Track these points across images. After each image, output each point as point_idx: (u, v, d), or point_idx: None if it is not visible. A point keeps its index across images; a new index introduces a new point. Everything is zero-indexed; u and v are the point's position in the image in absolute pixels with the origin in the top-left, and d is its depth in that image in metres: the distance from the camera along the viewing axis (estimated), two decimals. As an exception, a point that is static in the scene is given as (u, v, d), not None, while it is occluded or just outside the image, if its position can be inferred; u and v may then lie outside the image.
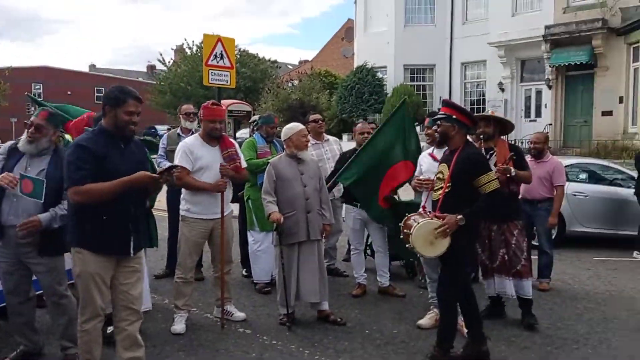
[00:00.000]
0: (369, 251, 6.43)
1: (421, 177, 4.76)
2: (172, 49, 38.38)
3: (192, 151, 4.54)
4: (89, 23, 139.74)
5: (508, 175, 4.58)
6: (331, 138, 6.57)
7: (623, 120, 16.41)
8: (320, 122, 6.42)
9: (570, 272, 6.73)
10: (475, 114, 4.51)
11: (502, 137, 4.95)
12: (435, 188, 4.13)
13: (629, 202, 7.94)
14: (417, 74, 22.39)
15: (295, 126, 4.83)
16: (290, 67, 46.14)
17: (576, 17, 16.86)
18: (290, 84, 26.26)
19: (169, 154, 5.57)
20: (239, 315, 4.80)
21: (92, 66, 55.71)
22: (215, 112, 4.62)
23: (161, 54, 34.19)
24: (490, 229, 4.70)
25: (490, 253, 4.74)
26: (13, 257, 3.67)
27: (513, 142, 8.23)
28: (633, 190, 7.81)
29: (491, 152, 4.70)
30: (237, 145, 4.82)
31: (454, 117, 4.02)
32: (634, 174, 8.19)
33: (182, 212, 4.64)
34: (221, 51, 9.50)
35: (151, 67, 48.28)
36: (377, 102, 21.01)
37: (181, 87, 29.29)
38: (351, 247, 5.95)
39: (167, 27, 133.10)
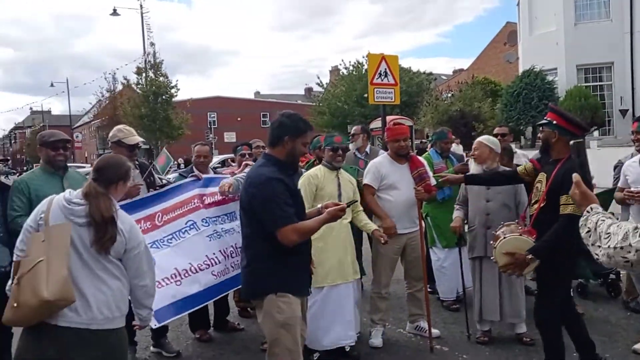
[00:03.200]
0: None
1: (633, 189, 4.34)
2: (329, 70, 39.88)
3: (379, 170, 4.71)
4: (252, 52, 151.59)
5: None
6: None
7: None
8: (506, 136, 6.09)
9: None
10: None
11: None
12: (532, 201, 3.78)
13: None
14: (592, 73, 20.53)
15: (496, 142, 4.78)
16: (444, 77, 45.26)
17: None
18: (449, 95, 25.74)
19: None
20: (434, 332, 4.77)
21: (257, 93, 60.17)
22: (398, 131, 4.76)
23: (318, 76, 36.22)
24: None
25: None
26: None
27: None
28: None
29: None
30: (426, 163, 4.85)
31: (554, 122, 3.65)
32: None
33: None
34: (385, 69, 9.65)
35: (309, 90, 50.77)
36: (547, 107, 19.64)
37: (339, 107, 30.24)
38: None
39: (321, 50, 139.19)
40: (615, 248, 1.74)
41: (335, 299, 4.28)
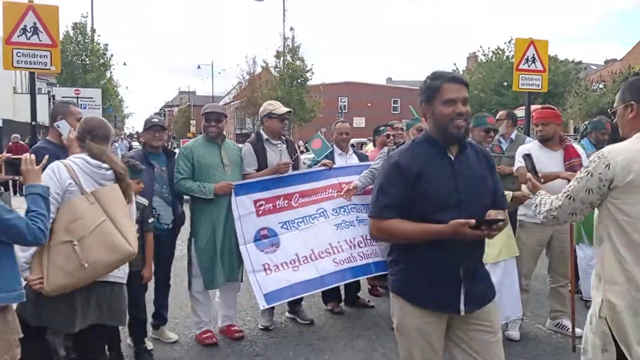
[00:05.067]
0: None
1: None
2: (466, 57, 38.50)
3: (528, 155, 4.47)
4: (386, 37, 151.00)
5: None
6: None
7: None
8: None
9: None
10: None
11: None
12: None
13: None
14: None
15: None
16: (594, 67, 41.60)
17: None
18: (600, 86, 23.67)
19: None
20: (578, 331, 4.49)
21: (389, 79, 59.93)
22: (544, 115, 4.54)
23: (454, 64, 34.93)
24: None
25: None
26: None
27: None
28: None
29: None
30: (583, 154, 4.53)
31: None
32: None
33: (519, 217, 4.57)
34: (533, 54, 9.12)
35: (443, 77, 49.35)
36: None
37: (475, 95, 29.14)
38: None
39: (459, 36, 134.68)
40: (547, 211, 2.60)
41: (507, 271, 4.26)
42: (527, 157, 3.06)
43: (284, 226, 4.70)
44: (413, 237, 2.35)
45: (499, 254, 4.20)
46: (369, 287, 5.95)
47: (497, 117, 6.41)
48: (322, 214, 4.89)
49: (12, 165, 2.56)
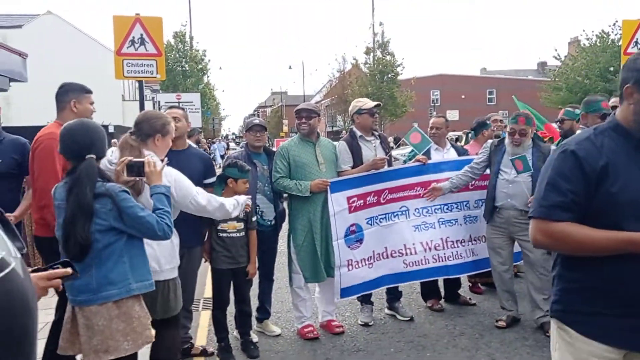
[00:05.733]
0: None
1: None
2: (568, 42, 36.30)
3: None
4: (482, 25, 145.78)
5: None
6: None
7: None
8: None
9: None
10: None
11: None
12: None
13: None
14: None
15: None
16: None
17: None
18: None
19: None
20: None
21: (483, 69, 57.87)
22: None
23: (556, 49, 32.83)
24: None
25: None
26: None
27: None
28: None
29: None
30: None
31: None
32: None
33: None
34: (644, 35, 8.45)
35: (542, 64, 46.99)
36: None
37: (578, 82, 27.40)
38: None
39: (558, 21, 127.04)
40: None
41: None
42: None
43: (369, 222, 4.74)
44: (598, 246, 1.83)
45: None
46: (470, 284, 5.81)
47: (611, 103, 6.03)
48: (403, 213, 4.88)
49: (135, 167, 2.76)
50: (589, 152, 1.88)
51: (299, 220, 4.59)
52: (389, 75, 29.28)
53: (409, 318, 4.96)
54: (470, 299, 5.41)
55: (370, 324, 4.85)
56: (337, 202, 4.57)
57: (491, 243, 4.71)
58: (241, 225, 4.07)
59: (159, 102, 17.88)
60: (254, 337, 4.45)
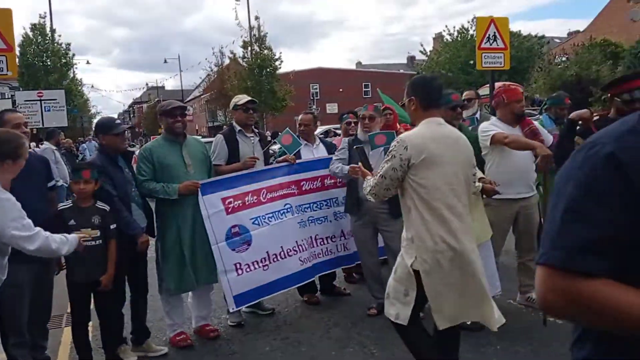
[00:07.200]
0: None
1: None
2: (432, 38, 38.67)
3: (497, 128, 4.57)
4: (355, 22, 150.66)
5: None
6: None
7: None
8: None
9: None
10: None
11: None
12: None
13: None
14: None
15: None
16: (557, 40, 42.15)
17: None
18: (563, 59, 23.99)
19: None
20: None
21: (359, 63, 59.77)
22: (518, 92, 4.68)
23: (421, 44, 35.06)
24: None
25: None
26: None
27: None
28: None
29: None
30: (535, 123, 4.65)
31: None
32: None
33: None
34: (494, 32, 9.22)
35: (411, 58, 49.59)
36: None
37: (442, 75, 29.33)
38: None
39: (426, 17, 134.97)
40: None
41: (481, 251, 4.32)
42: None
43: (256, 222, 4.67)
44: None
45: (477, 238, 4.24)
46: (345, 274, 5.98)
47: (467, 96, 6.53)
48: (289, 210, 4.92)
49: None
50: (638, 154, 1.11)
51: (166, 225, 4.40)
52: (268, 70, 29.25)
53: (270, 311, 5.00)
54: (345, 289, 5.57)
55: (242, 323, 4.80)
56: (211, 203, 4.45)
57: (357, 236, 4.86)
58: (97, 232, 3.76)
59: (15, 100, 16.35)
60: (131, 356, 4.14)
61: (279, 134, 5.47)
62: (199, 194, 4.39)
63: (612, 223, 1.09)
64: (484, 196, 4.04)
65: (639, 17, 24.87)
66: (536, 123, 4.82)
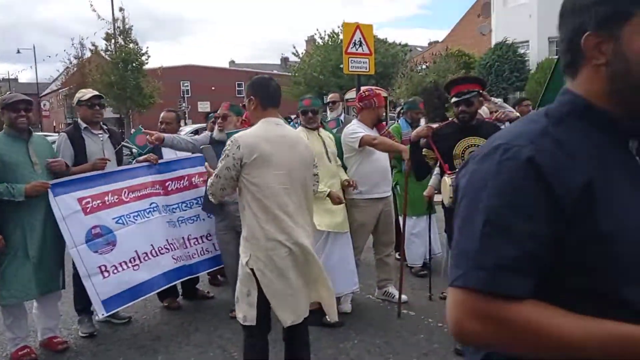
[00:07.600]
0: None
1: None
2: (305, 40, 39.42)
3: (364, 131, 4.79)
4: (229, 21, 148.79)
5: None
6: None
7: None
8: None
9: None
10: None
11: None
12: None
13: None
14: (564, 47, 20.84)
15: None
16: (419, 49, 45.19)
17: None
18: (424, 66, 25.72)
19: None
20: (403, 297, 4.85)
21: (232, 62, 59.20)
22: (383, 98, 4.99)
23: (294, 46, 35.62)
24: None
25: None
26: None
27: None
28: None
29: None
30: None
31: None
32: None
33: (353, 196, 4.75)
34: (360, 38, 9.59)
35: (285, 59, 50.12)
36: (518, 79, 19.96)
37: (314, 77, 30.02)
38: None
39: (299, 20, 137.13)
40: None
41: (339, 248, 4.49)
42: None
43: (119, 221, 4.38)
44: (579, 349, 0.96)
45: (341, 224, 4.48)
46: (209, 277, 5.85)
47: (331, 98, 6.77)
48: (155, 209, 4.69)
49: None
50: (557, 159, 1.02)
51: (9, 229, 3.97)
52: (134, 64, 27.82)
53: (126, 320, 4.76)
54: (208, 292, 5.45)
55: (95, 333, 4.50)
56: (65, 204, 4.10)
57: (219, 237, 4.77)
58: None
59: None
60: None
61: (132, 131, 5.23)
62: (50, 194, 4.03)
63: (536, 237, 0.98)
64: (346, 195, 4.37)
65: (487, 31, 27.43)
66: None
